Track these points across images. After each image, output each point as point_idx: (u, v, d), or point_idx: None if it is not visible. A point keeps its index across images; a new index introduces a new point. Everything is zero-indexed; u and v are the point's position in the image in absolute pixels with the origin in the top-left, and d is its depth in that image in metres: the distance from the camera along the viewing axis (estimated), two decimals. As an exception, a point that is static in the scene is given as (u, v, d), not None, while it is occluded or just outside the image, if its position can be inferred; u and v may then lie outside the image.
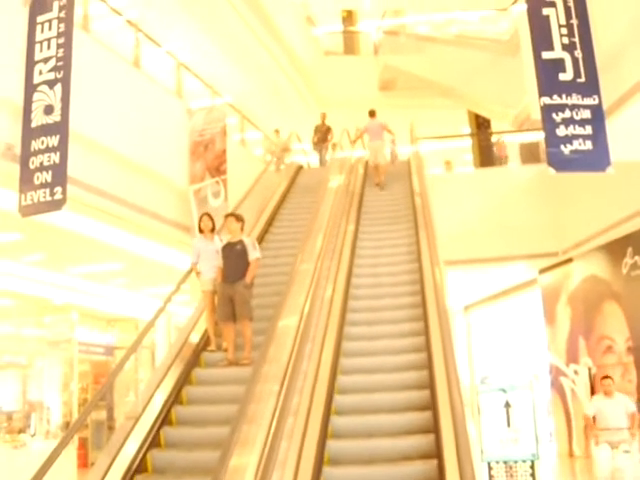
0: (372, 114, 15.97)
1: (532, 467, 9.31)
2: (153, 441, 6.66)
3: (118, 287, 16.87)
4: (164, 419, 7.02)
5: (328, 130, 18.65)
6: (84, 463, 13.96)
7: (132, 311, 17.63)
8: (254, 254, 8.25)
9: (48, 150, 8.13)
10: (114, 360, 17.35)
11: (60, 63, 8.30)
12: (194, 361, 8.15)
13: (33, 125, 8.32)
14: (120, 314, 18.10)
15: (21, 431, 13.14)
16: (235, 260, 8.19)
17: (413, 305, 8.78)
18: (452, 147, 19.77)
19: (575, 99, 8.82)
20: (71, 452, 10.88)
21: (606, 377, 10.45)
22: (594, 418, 9.95)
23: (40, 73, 8.39)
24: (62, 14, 8.44)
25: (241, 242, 8.32)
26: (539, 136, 13.48)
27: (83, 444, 14.67)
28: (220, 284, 8.26)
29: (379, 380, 7.30)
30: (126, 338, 17.47)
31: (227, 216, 8.73)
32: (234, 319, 7.98)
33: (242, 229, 8.58)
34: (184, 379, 7.71)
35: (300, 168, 17.32)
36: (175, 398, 7.37)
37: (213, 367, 8.05)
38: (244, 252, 8.22)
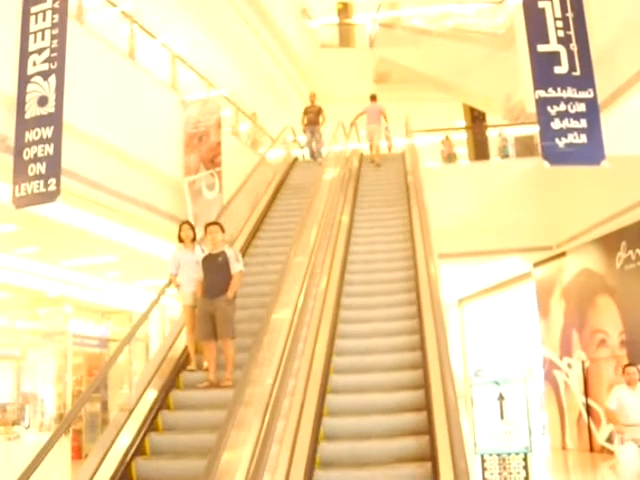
0: (373, 98, 16.62)
1: (525, 460, 9.29)
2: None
3: (112, 280, 16.87)
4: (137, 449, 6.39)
5: (319, 111, 16.81)
6: (78, 455, 13.96)
7: (126, 303, 17.63)
8: (237, 267, 7.62)
9: (42, 141, 8.06)
10: (108, 352, 17.35)
11: (54, 54, 8.22)
12: (172, 382, 7.47)
13: (27, 116, 8.26)
14: (114, 306, 18.11)
15: (15, 423, 13.12)
16: (216, 273, 7.57)
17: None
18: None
19: (570, 92, 8.79)
20: (65, 444, 10.88)
21: (629, 365, 9.23)
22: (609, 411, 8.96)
23: (34, 64, 8.32)
24: (56, 5, 8.36)
25: (223, 253, 7.68)
26: (534, 129, 13.50)
27: (77, 436, 14.68)
28: (200, 299, 7.66)
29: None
30: (120, 330, 17.49)
31: (209, 225, 8.01)
32: (215, 337, 7.38)
33: (223, 240, 7.98)
34: (160, 403, 7.07)
35: (295, 160, 17.26)
36: (150, 425, 6.75)
37: (192, 389, 7.39)
38: (226, 264, 7.58)
